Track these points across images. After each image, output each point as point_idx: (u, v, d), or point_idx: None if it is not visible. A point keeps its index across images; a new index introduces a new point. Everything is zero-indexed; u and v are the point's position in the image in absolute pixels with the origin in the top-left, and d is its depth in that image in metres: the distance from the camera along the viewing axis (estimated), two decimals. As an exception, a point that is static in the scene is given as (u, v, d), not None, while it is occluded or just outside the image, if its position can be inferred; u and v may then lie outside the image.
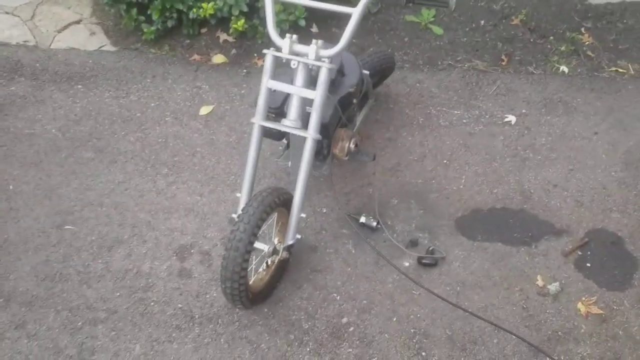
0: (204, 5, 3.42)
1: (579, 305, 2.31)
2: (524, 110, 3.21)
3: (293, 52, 2.15)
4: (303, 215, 2.21)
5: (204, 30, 3.77)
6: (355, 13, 2.10)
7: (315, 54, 2.11)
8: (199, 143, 3.07)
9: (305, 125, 2.17)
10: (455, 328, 2.25)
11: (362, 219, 2.58)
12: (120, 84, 3.43)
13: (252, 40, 3.67)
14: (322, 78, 2.10)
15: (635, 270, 2.42)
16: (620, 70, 3.51)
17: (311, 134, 2.13)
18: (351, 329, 2.26)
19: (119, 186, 2.84)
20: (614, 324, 2.26)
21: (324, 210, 2.68)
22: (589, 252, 2.49)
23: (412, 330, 2.25)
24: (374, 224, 2.55)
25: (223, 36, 3.71)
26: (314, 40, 2.15)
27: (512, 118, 3.16)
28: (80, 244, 2.58)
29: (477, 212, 2.68)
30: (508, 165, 2.90)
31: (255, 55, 3.62)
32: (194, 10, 3.46)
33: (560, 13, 3.89)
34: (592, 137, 3.04)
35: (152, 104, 3.31)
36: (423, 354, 2.18)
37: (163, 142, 3.07)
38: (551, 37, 3.74)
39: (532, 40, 3.71)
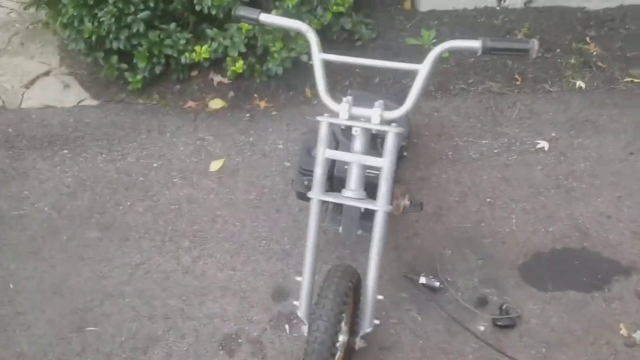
0: (197, 49, 3.09)
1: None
2: (553, 134, 3.06)
3: (352, 117, 1.89)
4: (380, 297, 1.94)
5: (194, 74, 3.43)
6: (423, 70, 1.86)
7: (379, 117, 1.85)
8: (216, 205, 2.75)
9: (371, 194, 1.92)
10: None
11: (422, 280, 2.35)
12: (112, 144, 3.05)
13: (249, 80, 3.37)
14: (391, 144, 1.85)
15: None
16: (635, 80, 3.42)
17: (383, 206, 1.87)
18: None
19: (137, 269, 2.49)
20: None
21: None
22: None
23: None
24: (437, 283, 2.33)
25: (217, 78, 3.39)
26: (376, 103, 1.89)
27: (544, 144, 3.00)
28: (109, 348, 2.23)
29: (539, 256, 2.50)
30: (555, 197, 2.74)
31: (255, 95, 3.31)
32: (186, 55, 3.11)
33: (562, 23, 3.78)
34: (629, 158, 2.93)
35: (155, 164, 2.95)
36: None
37: (177, 209, 2.74)
38: (558, 50, 3.62)
39: (541, 54, 3.57)
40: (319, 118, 1.90)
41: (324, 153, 1.90)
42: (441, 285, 2.35)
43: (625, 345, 2.19)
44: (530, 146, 3.02)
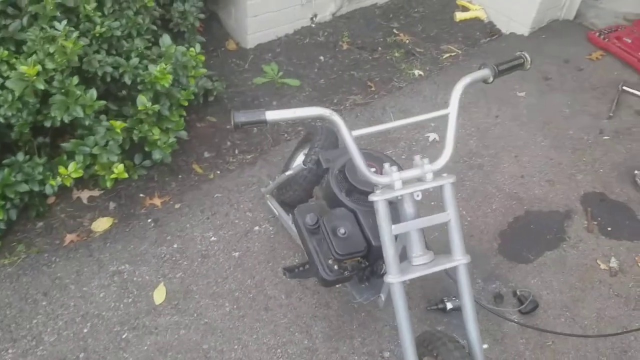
0: (63, 170, 2.43)
1: None
2: (432, 124, 3.31)
3: (405, 183, 1.75)
4: (485, 346, 1.89)
5: (51, 201, 2.72)
6: (452, 112, 1.82)
7: (432, 173, 1.76)
8: (197, 339, 2.28)
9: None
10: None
11: (449, 305, 2.37)
12: (10, 333, 2.24)
13: (125, 182, 2.81)
14: (450, 194, 1.77)
15: None
16: (452, 53, 3.91)
17: (463, 258, 1.79)
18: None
19: None
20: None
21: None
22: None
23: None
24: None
25: (85, 194, 2.75)
26: (415, 158, 1.78)
27: (433, 135, 3.25)
28: None
29: (505, 235, 2.76)
30: (475, 178, 3.04)
31: (142, 195, 2.80)
32: (52, 183, 2.43)
33: (369, 23, 4.09)
34: (498, 121, 3.37)
35: (85, 330, 2.28)
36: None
37: (153, 369, 2.18)
38: (380, 48, 3.90)
39: (371, 57, 3.81)
40: (373, 198, 1.70)
41: (390, 230, 1.72)
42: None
43: (611, 276, 2.58)
44: (424, 140, 3.22)
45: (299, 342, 2.28)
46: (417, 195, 1.74)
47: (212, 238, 2.64)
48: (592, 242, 2.73)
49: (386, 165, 1.77)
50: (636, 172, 3.00)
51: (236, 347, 2.26)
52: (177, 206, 2.78)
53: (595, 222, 2.81)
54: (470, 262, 1.77)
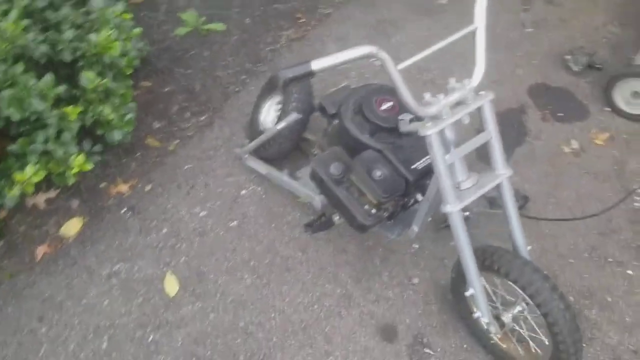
0: (19, 177, 2.08)
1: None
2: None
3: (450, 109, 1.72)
4: (529, 247, 1.98)
5: (1, 215, 2.34)
6: (480, 26, 1.79)
7: (472, 92, 1.74)
8: (224, 329, 2.17)
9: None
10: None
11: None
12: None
13: (78, 174, 2.48)
14: (490, 112, 1.78)
15: None
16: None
17: (507, 172, 1.84)
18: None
19: None
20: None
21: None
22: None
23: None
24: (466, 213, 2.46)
25: (41, 198, 2.40)
26: (450, 81, 1.75)
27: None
28: None
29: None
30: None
31: (105, 184, 2.51)
32: (10, 194, 2.08)
33: None
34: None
35: (104, 344, 2.07)
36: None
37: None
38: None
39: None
40: (427, 132, 1.65)
41: (445, 160, 1.71)
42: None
43: (575, 157, 2.82)
44: (372, 66, 3.18)
45: (331, 292, 2.25)
46: (466, 120, 1.72)
47: (202, 213, 2.46)
48: (550, 129, 2.93)
49: (427, 95, 1.71)
50: (566, 57, 3.22)
51: (273, 315, 2.18)
52: (147, 188, 2.52)
53: (547, 111, 3.01)
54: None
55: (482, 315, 1.86)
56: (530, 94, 3.11)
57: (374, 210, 1.92)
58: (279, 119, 2.41)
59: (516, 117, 2.98)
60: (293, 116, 2.25)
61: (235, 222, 2.44)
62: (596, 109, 3.04)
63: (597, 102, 3.07)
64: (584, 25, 3.49)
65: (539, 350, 1.90)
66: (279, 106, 2.61)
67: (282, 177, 2.40)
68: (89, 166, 2.19)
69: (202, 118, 2.83)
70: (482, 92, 1.75)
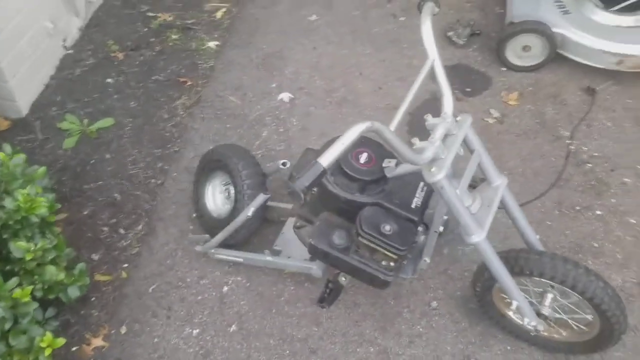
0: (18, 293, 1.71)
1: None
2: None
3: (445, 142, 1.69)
4: (537, 236, 2.03)
5: None
6: (435, 57, 1.78)
7: (453, 122, 1.72)
8: None
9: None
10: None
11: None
12: None
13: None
14: (473, 133, 1.77)
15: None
16: (223, 10, 3.67)
17: (503, 180, 1.85)
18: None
19: None
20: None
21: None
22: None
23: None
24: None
25: None
26: (427, 117, 1.72)
27: (284, 95, 3.13)
28: None
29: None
30: (352, 83, 3.05)
31: (75, 348, 2.18)
32: None
33: (121, 19, 3.54)
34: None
35: None
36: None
37: None
38: (154, 39, 3.47)
39: (154, 53, 3.37)
40: (435, 178, 1.61)
41: (459, 197, 1.69)
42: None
43: (501, 124, 2.96)
44: (279, 103, 3.08)
45: (366, 354, 2.16)
46: (461, 152, 1.71)
47: (195, 332, 2.23)
48: (467, 107, 3.05)
49: (416, 141, 1.66)
50: (448, 33, 3.36)
51: None
52: (123, 331, 2.22)
53: (456, 90, 3.12)
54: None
55: (530, 320, 1.88)
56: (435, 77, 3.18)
57: (392, 264, 1.85)
58: (237, 200, 2.23)
59: (432, 107, 3.04)
60: (261, 197, 2.10)
61: (234, 326, 2.23)
62: (495, 73, 3.21)
63: (493, 66, 3.24)
64: (447, -1, 3.66)
65: (582, 327, 1.97)
66: (226, 186, 2.42)
67: (265, 258, 2.23)
68: (61, 341, 1.86)
69: (139, 228, 2.53)
70: (459, 118, 1.74)
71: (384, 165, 1.86)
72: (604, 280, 1.79)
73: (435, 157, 1.61)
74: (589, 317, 1.91)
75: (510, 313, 2.11)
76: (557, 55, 3.08)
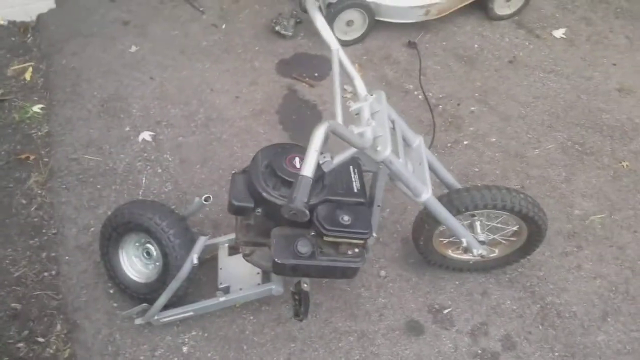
0: None
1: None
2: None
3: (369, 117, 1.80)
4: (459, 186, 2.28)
5: None
6: (336, 47, 1.85)
7: (371, 99, 1.85)
8: None
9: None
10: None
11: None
12: None
13: None
14: (386, 101, 1.92)
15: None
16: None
17: (418, 138, 2.04)
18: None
19: None
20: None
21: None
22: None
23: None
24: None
25: None
26: (352, 104, 1.82)
27: (144, 135, 2.97)
28: None
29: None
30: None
31: None
32: None
33: None
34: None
35: None
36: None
37: None
38: None
39: None
40: (384, 154, 1.72)
41: (404, 165, 1.84)
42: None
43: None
44: (136, 142, 2.91)
45: (348, 343, 2.22)
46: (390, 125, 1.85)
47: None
48: (323, 88, 3.19)
49: (354, 128, 1.74)
50: (275, 28, 3.44)
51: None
52: None
53: (308, 79, 3.25)
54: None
55: (477, 250, 2.13)
56: (282, 72, 3.28)
57: (357, 250, 1.92)
58: (166, 255, 2.09)
59: (292, 100, 3.14)
60: (202, 240, 2.00)
61: (212, 381, 2.12)
62: (328, 51, 3.39)
63: (323, 45, 3.39)
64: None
65: (511, 239, 2.28)
66: (143, 246, 2.24)
67: (219, 300, 2.15)
68: None
69: (58, 328, 2.24)
70: (373, 95, 1.86)
71: (321, 162, 1.90)
72: (521, 191, 2.09)
73: (375, 136, 1.72)
74: (515, 227, 2.22)
75: (449, 252, 2.34)
76: (376, 23, 3.38)
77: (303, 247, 1.85)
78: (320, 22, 1.83)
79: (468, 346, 2.23)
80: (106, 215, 2.53)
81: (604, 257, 2.50)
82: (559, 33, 3.55)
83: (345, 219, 1.84)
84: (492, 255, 2.31)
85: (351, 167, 2.01)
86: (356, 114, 1.79)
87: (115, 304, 2.31)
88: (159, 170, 2.78)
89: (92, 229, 2.54)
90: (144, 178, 2.75)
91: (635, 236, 2.57)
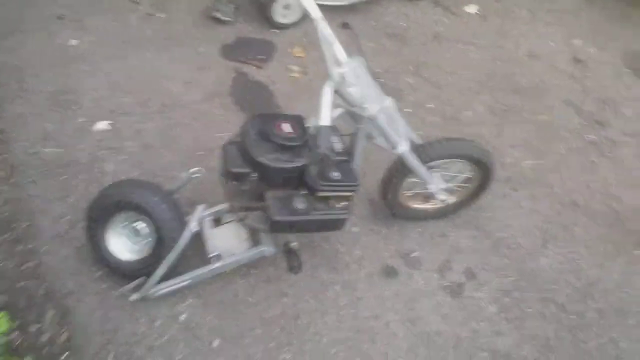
0: None
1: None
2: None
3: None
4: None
5: None
6: (318, 16, 2.03)
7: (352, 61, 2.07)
8: None
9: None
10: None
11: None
12: None
13: None
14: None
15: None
16: None
17: (388, 99, 2.29)
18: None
19: None
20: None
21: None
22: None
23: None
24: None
25: None
26: (338, 70, 2.03)
27: (101, 125, 2.99)
28: None
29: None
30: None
31: None
32: None
33: None
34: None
35: None
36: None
37: None
38: None
39: None
40: (374, 111, 1.95)
41: (384, 119, 2.08)
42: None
43: (304, 75, 3.38)
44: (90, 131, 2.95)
45: (334, 292, 2.44)
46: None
47: (186, 366, 2.18)
48: (270, 70, 3.36)
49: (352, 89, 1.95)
50: (213, 14, 3.56)
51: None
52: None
53: (254, 60, 3.41)
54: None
55: (441, 196, 2.43)
56: (227, 56, 3.42)
57: (345, 203, 2.14)
58: (159, 229, 2.19)
59: (243, 82, 3.30)
60: (200, 208, 2.13)
61: (216, 341, 2.25)
62: (271, 36, 3.60)
63: (266, 31, 3.61)
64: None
65: (465, 185, 2.61)
66: (133, 224, 2.31)
67: (214, 266, 2.28)
68: None
69: (51, 314, 2.26)
70: (348, 59, 2.08)
71: (309, 128, 2.09)
72: (473, 140, 2.41)
73: (361, 95, 1.94)
74: (468, 174, 2.54)
75: (412, 204, 2.62)
76: (313, 5, 3.59)
77: (300, 204, 2.03)
78: (301, -8, 2.01)
79: (437, 281, 2.53)
80: (78, 204, 2.58)
81: (537, 195, 2.91)
82: (472, 9, 3.97)
83: (335, 174, 2.04)
84: (449, 202, 2.62)
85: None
86: (341, 78, 2.00)
87: (104, 285, 2.35)
88: (124, 157, 2.83)
89: (68, 216, 2.54)
90: (110, 165, 2.78)
91: (560, 176, 3.00)
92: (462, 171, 2.52)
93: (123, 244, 2.33)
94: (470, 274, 2.57)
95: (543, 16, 3.98)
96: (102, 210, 2.24)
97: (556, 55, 3.70)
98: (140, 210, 2.20)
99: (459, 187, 2.60)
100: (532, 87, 3.46)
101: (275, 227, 2.05)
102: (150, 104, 3.09)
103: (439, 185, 2.42)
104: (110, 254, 2.31)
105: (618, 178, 3.03)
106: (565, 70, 3.60)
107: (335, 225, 2.14)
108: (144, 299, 2.28)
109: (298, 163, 2.04)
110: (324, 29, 2.03)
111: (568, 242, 2.73)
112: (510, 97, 3.39)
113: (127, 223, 2.32)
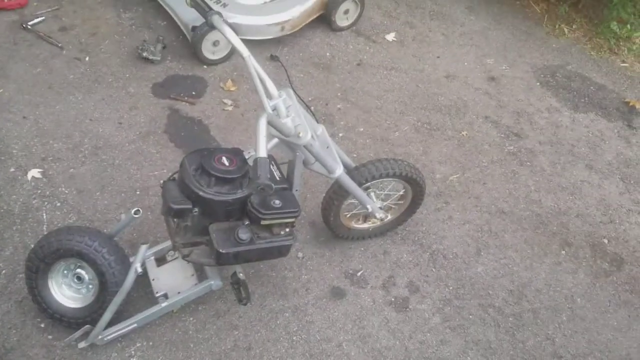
0: None
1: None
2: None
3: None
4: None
5: None
6: (249, 55, 2.10)
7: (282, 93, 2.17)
8: None
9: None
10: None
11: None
12: None
13: None
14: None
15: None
16: None
17: (321, 127, 2.39)
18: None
19: None
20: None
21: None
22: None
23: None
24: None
25: None
26: (273, 103, 2.11)
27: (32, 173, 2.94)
28: None
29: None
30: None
31: None
32: None
33: None
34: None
35: None
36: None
37: None
38: None
39: None
40: (306, 139, 2.04)
41: (319, 146, 2.18)
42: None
43: (236, 108, 3.45)
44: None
45: (285, 319, 2.49)
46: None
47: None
48: (203, 105, 3.41)
49: (288, 121, 2.04)
50: (142, 55, 3.57)
51: None
52: None
53: (186, 97, 3.44)
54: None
55: (379, 215, 2.55)
56: (159, 95, 3.44)
57: (288, 229, 2.21)
58: (102, 274, 2.17)
59: (177, 119, 3.32)
60: (143, 249, 2.13)
61: (170, 380, 2.24)
62: (201, 72, 3.65)
63: (196, 68, 3.66)
64: (91, 21, 3.81)
65: (399, 202, 2.74)
66: (73, 271, 2.27)
67: (162, 305, 2.28)
68: None
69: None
70: (283, 93, 2.17)
71: (246, 157, 2.16)
72: (403, 159, 2.55)
73: (294, 125, 2.03)
74: (402, 192, 2.68)
75: (353, 224, 2.73)
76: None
77: (244, 234, 2.07)
78: (229, 33, 2.08)
79: (383, 297, 2.63)
80: (14, 256, 2.51)
81: (466, 206, 3.09)
82: (390, 37, 4.19)
83: (277, 202, 2.11)
84: (387, 219, 2.75)
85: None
86: (273, 110, 2.08)
87: (50, 336, 2.30)
88: (58, 204, 2.77)
89: (4, 271, 2.47)
90: (44, 214, 2.72)
91: (485, 187, 3.21)
92: (396, 189, 2.65)
93: (66, 292, 2.29)
94: (413, 288, 2.69)
95: (456, 39, 4.26)
96: (41, 260, 2.20)
97: (471, 74, 3.96)
98: (81, 257, 2.17)
99: (394, 204, 2.73)
100: (452, 106, 3.69)
101: (221, 260, 2.08)
102: (81, 147, 3.05)
103: (375, 204, 2.54)
104: (53, 304, 2.25)
105: (537, 184, 3.27)
106: (481, 88, 3.87)
107: (280, 252, 2.19)
108: (92, 346, 2.24)
109: (240, 194, 2.09)
110: (254, 64, 2.11)
111: (499, 248, 2.91)
112: (433, 116, 3.60)
113: (68, 271, 2.28)
